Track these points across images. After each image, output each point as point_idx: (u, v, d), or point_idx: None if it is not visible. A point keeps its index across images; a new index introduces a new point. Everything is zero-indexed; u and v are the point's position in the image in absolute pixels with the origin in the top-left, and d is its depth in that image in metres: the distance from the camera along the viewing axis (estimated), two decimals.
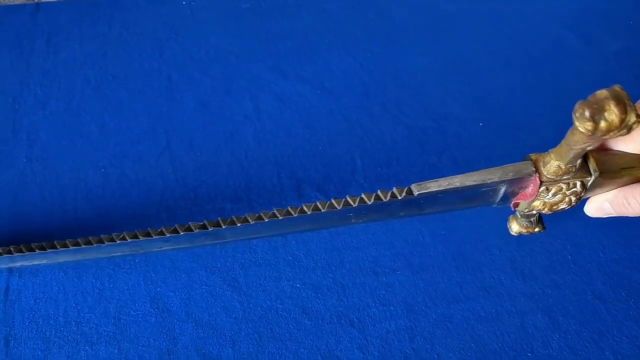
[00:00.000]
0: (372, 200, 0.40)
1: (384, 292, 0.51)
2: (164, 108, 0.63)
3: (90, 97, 0.64)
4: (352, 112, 0.64)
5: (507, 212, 0.50)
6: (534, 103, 0.66)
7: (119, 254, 0.52)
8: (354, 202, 0.40)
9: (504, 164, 0.40)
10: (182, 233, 0.46)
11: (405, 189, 0.39)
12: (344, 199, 0.41)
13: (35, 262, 0.51)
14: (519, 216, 0.48)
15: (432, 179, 0.41)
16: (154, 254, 0.52)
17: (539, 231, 0.49)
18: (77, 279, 0.50)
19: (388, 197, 0.39)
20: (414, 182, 0.39)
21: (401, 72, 0.68)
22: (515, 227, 0.49)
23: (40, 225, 0.55)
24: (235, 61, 0.68)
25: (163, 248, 0.51)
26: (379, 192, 0.40)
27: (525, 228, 0.49)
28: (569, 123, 0.32)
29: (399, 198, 0.39)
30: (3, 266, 0.50)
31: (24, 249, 0.49)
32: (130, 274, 0.51)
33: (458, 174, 0.41)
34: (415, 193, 0.39)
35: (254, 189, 0.57)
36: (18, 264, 0.50)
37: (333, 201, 0.41)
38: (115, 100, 0.64)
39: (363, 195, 0.40)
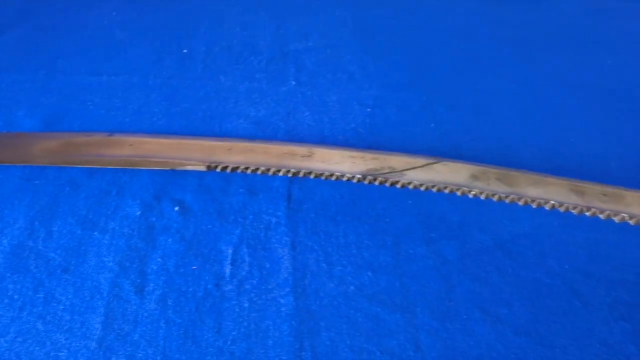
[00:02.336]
0: None
1: None
2: (421, 64, 0.63)
3: (349, 39, 0.64)
4: (598, 113, 0.63)
5: None
6: None
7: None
8: None
9: None
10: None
11: None
12: None
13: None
14: None
15: None
16: (425, 200, 0.51)
17: None
18: (353, 205, 0.50)
19: None
20: None
21: None
22: None
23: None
24: (473, 44, 0.69)
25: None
26: None
27: None
28: None
29: None
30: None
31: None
32: (403, 214, 0.50)
33: None
34: None
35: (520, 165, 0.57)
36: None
37: None
38: (375, 47, 0.64)
39: None
